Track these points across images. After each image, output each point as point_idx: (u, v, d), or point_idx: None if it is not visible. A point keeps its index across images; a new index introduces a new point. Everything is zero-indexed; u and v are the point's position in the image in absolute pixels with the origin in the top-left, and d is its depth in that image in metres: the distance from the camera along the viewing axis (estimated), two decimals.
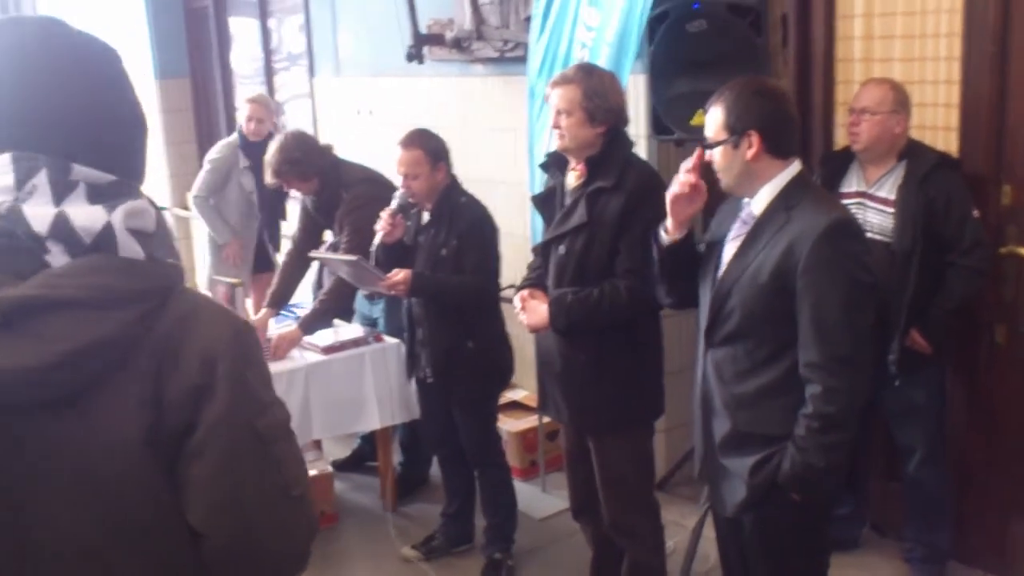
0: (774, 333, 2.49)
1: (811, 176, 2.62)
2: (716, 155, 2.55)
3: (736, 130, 2.49)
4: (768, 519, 2.58)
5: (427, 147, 3.77)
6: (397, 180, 3.87)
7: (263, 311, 4.55)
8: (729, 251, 2.60)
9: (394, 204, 3.78)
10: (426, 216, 3.84)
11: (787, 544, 2.61)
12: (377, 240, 3.76)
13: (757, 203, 2.54)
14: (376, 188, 4.38)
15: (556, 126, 3.16)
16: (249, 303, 5.63)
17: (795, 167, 2.54)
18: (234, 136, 5.86)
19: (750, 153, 2.49)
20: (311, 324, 4.36)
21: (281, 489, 1.35)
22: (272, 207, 5.92)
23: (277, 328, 4.40)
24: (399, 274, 3.68)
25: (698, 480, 2.95)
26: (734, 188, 2.59)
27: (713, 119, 2.55)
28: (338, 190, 4.38)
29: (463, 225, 3.75)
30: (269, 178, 4.53)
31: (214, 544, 1.32)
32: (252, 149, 5.70)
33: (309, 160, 4.37)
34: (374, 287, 3.84)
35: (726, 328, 2.57)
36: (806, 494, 2.47)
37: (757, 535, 2.64)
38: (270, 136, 5.70)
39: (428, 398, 4.04)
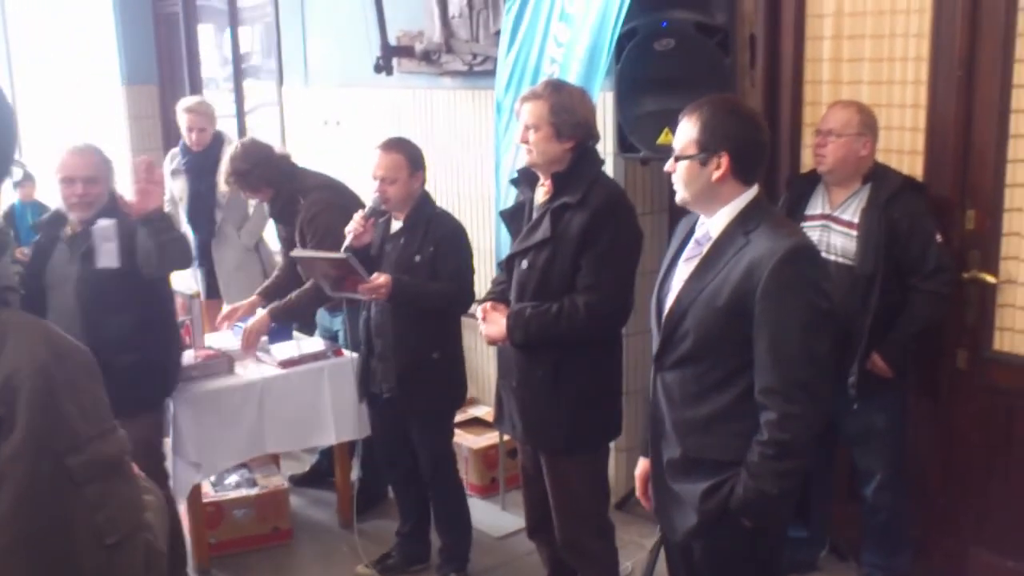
0: (728, 357, 2.44)
1: (768, 200, 2.60)
2: (680, 168, 2.50)
3: (708, 148, 2.44)
4: (719, 545, 2.53)
5: (408, 153, 3.73)
6: (367, 187, 3.80)
7: (253, 297, 4.50)
8: (683, 272, 2.54)
9: (368, 208, 3.72)
10: (396, 225, 3.78)
11: (737, 571, 2.56)
12: (347, 243, 3.66)
13: (714, 224, 2.50)
14: (333, 194, 4.32)
15: (524, 141, 3.14)
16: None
17: (754, 190, 2.50)
18: (177, 148, 5.78)
19: (717, 174, 2.43)
20: (282, 314, 4.29)
21: (92, 535, 1.23)
22: (194, 217, 5.68)
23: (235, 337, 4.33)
24: (380, 277, 3.60)
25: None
26: (690, 204, 2.54)
27: (685, 132, 2.49)
28: (294, 197, 4.31)
29: (440, 233, 3.71)
30: (222, 186, 4.52)
31: None
32: (196, 156, 5.62)
33: (257, 172, 4.30)
34: (351, 292, 3.71)
35: (679, 351, 2.51)
36: (758, 521, 2.43)
37: (707, 561, 2.59)
38: (216, 140, 5.61)
39: (383, 415, 3.95)
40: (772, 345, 2.35)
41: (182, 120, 5.62)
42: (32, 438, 1.19)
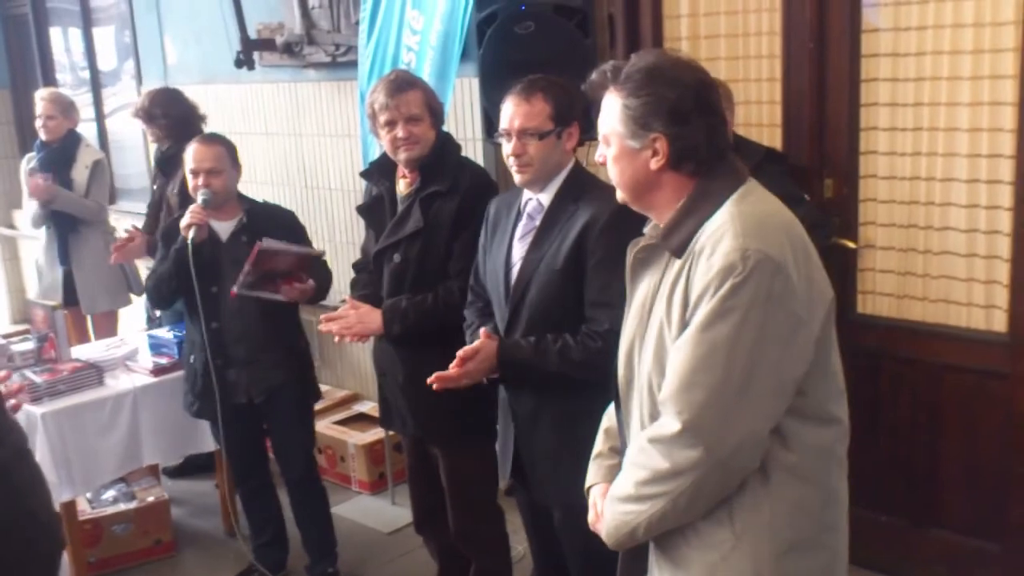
0: (570, 321, 2.58)
1: (583, 167, 2.78)
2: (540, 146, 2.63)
3: (559, 121, 2.63)
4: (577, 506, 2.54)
5: (228, 146, 3.67)
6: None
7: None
8: (519, 250, 2.70)
9: (200, 199, 3.55)
10: (224, 227, 3.61)
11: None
12: (191, 236, 3.46)
13: (545, 197, 2.68)
14: None
15: (408, 134, 3.04)
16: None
17: (572, 160, 2.72)
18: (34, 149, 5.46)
19: (570, 145, 2.65)
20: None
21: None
22: (53, 214, 5.31)
23: None
24: (309, 281, 3.59)
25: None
26: (537, 178, 2.66)
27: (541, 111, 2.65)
28: (179, 153, 4.24)
29: (286, 222, 3.71)
30: (132, 114, 4.73)
31: None
32: (50, 153, 5.30)
33: (164, 121, 4.56)
34: (271, 292, 3.52)
35: (525, 321, 2.65)
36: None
37: (568, 524, 2.69)
38: (71, 136, 5.37)
39: (245, 424, 3.75)
40: (601, 292, 2.51)
41: (37, 109, 5.35)
42: None
